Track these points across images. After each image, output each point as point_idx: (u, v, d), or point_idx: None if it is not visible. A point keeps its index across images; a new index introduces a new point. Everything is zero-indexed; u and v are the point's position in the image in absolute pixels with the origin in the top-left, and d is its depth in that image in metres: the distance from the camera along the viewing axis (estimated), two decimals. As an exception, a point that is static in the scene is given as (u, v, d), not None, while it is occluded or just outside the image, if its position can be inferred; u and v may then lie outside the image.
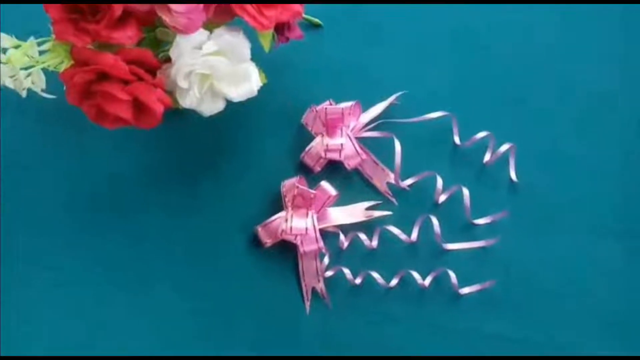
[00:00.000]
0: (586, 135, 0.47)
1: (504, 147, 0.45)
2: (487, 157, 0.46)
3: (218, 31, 0.38)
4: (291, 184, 0.44)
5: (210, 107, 0.40)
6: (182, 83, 0.38)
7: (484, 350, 0.43)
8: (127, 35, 0.35)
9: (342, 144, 0.44)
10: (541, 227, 0.45)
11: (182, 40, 0.37)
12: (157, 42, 0.40)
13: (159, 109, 0.38)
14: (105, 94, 0.36)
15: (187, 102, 0.39)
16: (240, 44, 0.38)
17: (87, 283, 0.44)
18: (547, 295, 0.43)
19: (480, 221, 0.45)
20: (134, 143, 0.46)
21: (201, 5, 0.35)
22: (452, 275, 0.43)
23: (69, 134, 0.46)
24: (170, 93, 0.39)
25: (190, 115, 0.39)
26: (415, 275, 0.43)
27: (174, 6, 0.35)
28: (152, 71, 0.38)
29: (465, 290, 0.43)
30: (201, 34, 0.37)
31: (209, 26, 0.38)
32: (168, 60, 0.38)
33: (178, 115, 0.40)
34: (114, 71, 0.36)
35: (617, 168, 0.46)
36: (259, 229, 0.44)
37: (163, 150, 0.46)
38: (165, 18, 0.35)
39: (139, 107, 0.38)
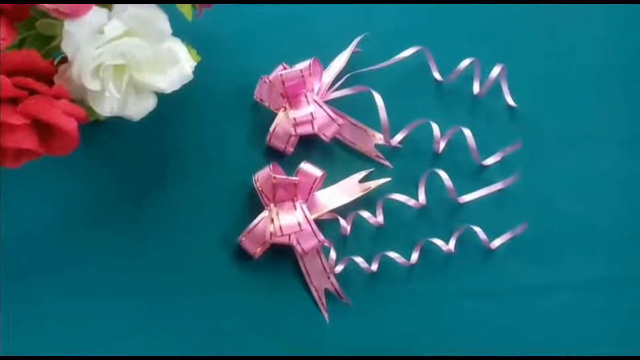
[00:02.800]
0: (581, 49, 0.42)
1: (494, 72, 0.39)
2: (475, 87, 0.40)
3: (120, 5, 0.29)
4: (265, 176, 0.36)
5: (139, 108, 0.31)
6: (92, 84, 0.29)
7: (529, 306, 0.38)
8: (-6, 38, 0.26)
9: (312, 113, 0.37)
10: (554, 150, 0.40)
11: (73, 28, 0.27)
12: (44, 38, 0.30)
13: (71, 125, 0.28)
14: (-9, 124, 0.27)
15: (106, 108, 0.30)
16: (153, 16, 0.29)
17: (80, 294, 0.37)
18: (579, 226, 0.39)
19: (490, 160, 0.39)
20: (62, 172, 0.38)
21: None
22: (479, 230, 0.37)
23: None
24: (81, 102, 0.30)
25: (117, 121, 0.31)
26: (437, 242, 0.37)
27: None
28: (47, 79, 0.29)
29: (496, 243, 0.37)
30: (98, 13, 0.28)
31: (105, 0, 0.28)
32: (65, 59, 0.29)
33: (103, 125, 0.31)
34: (-8, 90, 0.26)
35: (613, 75, 0.41)
36: (243, 239, 0.36)
37: (98, 172, 0.38)
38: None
39: (43, 130, 0.28)
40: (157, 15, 0.30)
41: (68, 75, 0.29)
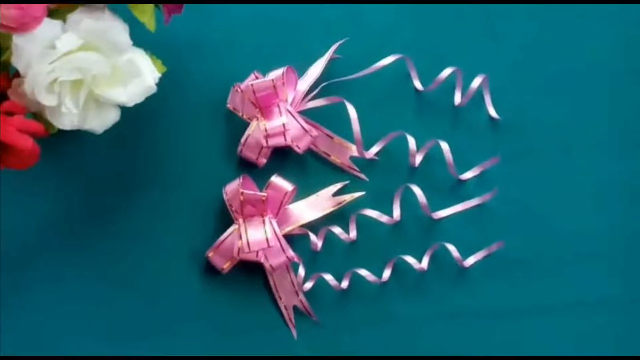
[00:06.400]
0: (564, 52, 0.40)
1: (476, 82, 0.38)
2: (457, 98, 0.39)
3: (74, 17, 0.27)
4: (234, 189, 0.35)
5: (100, 122, 0.30)
6: (47, 100, 0.28)
7: (504, 330, 0.37)
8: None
9: (284, 124, 0.36)
10: (537, 164, 0.39)
11: (23, 42, 0.26)
12: (-5, 51, 0.29)
13: (26, 143, 0.28)
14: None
15: (65, 122, 0.29)
16: (111, 27, 0.28)
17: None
18: (560, 244, 0.38)
19: (468, 175, 0.38)
20: (21, 184, 0.37)
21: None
22: (452, 248, 0.36)
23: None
24: (39, 116, 0.29)
25: (81, 130, 0.30)
26: (409, 259, 0.36)
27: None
28: (-1, 94, 0.28)
29: (469, 261, 0.36)
30: (50, 26, 0.27)
31: (58, 13, 0.27)
32: (19, 73, 0.28)
33: (66, 135, 0.30)
34: (-62, 108, 0.25)
35: (602, 79, 0.40)
36: (210, 254, 0.36)
37: (61, 184, 0.37)
38: (-15, 15, 0.24)
39: (-2, 145, 0.28)
40: (115, 27, 0.29)
41: (21, 90, 0.28)
